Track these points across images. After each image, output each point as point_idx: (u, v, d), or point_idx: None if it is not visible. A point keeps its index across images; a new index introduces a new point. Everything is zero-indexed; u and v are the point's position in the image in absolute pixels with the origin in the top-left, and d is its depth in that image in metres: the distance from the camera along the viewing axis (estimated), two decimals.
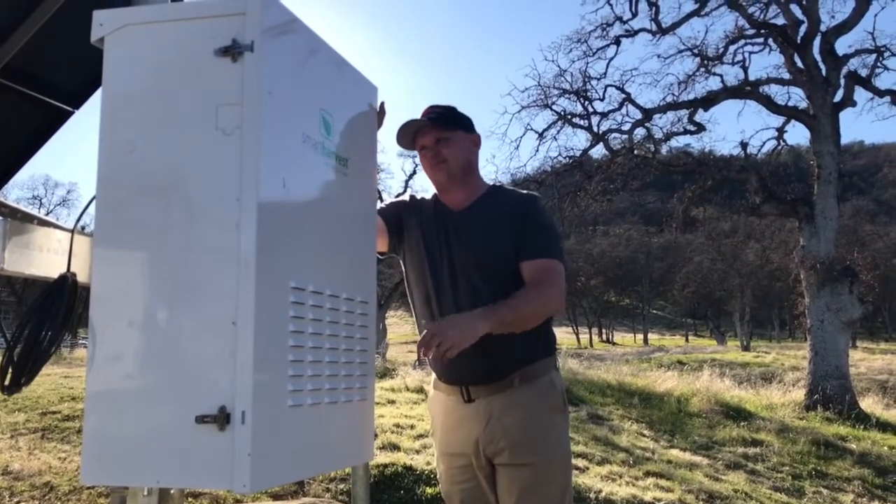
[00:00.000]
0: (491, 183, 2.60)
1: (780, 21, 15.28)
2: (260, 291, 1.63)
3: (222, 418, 1.59)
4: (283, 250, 1.75)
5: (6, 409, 8.19)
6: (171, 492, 1.92)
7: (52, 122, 3.23)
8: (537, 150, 18.71)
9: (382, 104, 2.34)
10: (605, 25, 16.96)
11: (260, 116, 1.68)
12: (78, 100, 3.19)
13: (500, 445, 2.30)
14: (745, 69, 16.21)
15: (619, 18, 16.90)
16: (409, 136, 2.46)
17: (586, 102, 17.16)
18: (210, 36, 1.73)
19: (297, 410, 1.78)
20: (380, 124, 2.35)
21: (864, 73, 15.14)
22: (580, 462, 6.62)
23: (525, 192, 2.53)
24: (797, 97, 15.72)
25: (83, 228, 2.07)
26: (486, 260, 2.37)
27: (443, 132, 2.44)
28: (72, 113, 3.23)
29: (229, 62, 1.71)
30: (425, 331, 2.12)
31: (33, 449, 6.32)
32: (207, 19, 1.75)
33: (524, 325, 2.25)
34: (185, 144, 1.73)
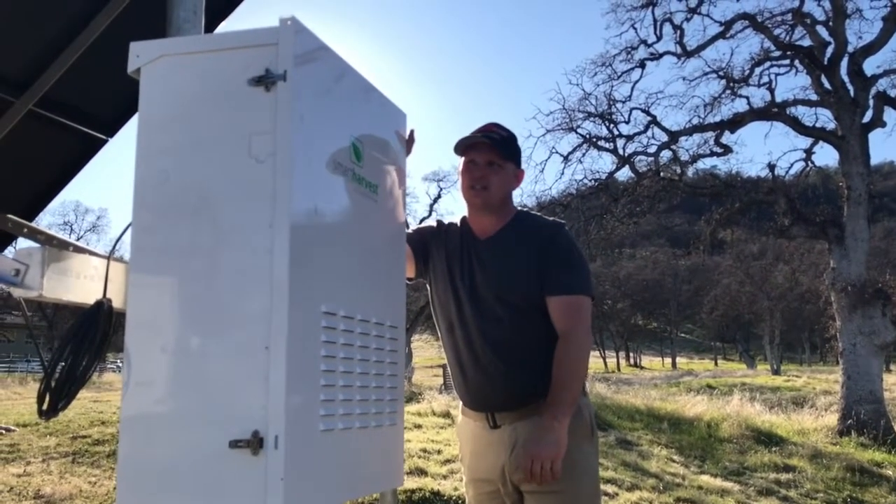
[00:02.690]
0: (517, 207, 2.60)
1: (807, 42, 15.21)
2: (292, 316, 1.65)
3: (255, 443, 1.60)
4: (314, 275, 1.77)
5: (38, 434, 8.28)
6: None
7: (87, 150, 3.30)
8: (562, 174, 18.61)
9: (412, 132, 2.36)
10: (629, 49, 16.96)
11: (292, 144, 1.71)
12: (112, 128, 3.26)
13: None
14: (771, 91, 16.10)
15: (644, 42, 16.92)
16: (463, 144, 2.44)
17: (611, 125, 17.14)
18: (243, 66, 1.76)
19: (329, 435, 1.79)
20: (409, 151, 2.36)
21: (893, 93, 14.96)
22: (609, 488, 6.54)
23: (551, 219, 2.51)
24: (825, 118, 15.60)
25: (116, 255, 2.10)
26: (507, 290, 2.36)
27: (498, 158, 2.41)
28: (105, 141, 3.29)
29: (262, 91, 1.74)
30: (524, 461, 2.16)
31: (64, 473, 6.38)
32: (241, 50, 1.79)
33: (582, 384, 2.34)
34: (218, 172, 1.76)
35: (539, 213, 2.59)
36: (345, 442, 1.87)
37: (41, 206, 3.32)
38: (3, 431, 8.63)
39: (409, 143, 2.36)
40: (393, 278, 2.23)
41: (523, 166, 2.56)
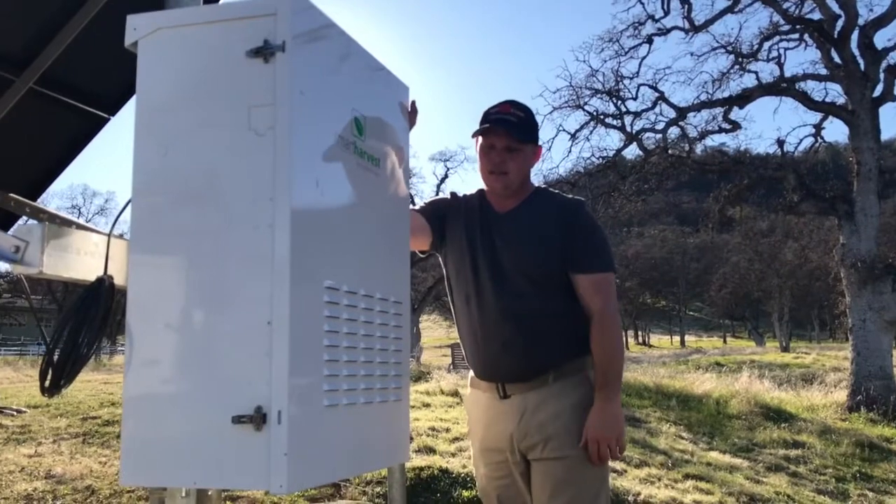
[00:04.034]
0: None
1: (816, 16, 15.02)
2: (294, 291, 1.63)
3: (259, 418, 1.59)
4: (316, 250, 1.75)
5: (49, 415, 8.33)
6: (209, 493, 1.93)
7: (89, 129, 3.27)
8: (570, 152, 18.36)
9: (414, 103, 2.33)
10: (636, 24, 16.82)
11: (292, 117, 1.68)
12: (113, 107, 3.23)
13: (533, 440, 2.31)
14: (780, 65, 15.96)
15: (651, 17, 16.75)
16: (481, 130, 2.41)
17: (619, 102, 17.03)
18: (242, 37, 1.73)
19: (333, 410, 1.78)
20: (412, 124, 2.34)
21: None
22: (618, 465, 6.54)
23: (570, 196, 2.53)
24: (835, 93, 15.46)
25: (121, 236, 2.08)
26: (531, 264, 2.37)
27: (516, 143, 2.40)
28: (107, 120, 3.27)
29: (261, 63, 1.71)
30: (590, 447, 2.26)
31: (75, 453, 6.42)
32: (239, 21, 1.76)
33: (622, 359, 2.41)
34: (218, 146, 1.74)
35: (557, 191, 2.58)
36: (349, 417, 1.85)
37: (45, 185, 3.30)
38: (15, 413, 8.68)
39: (412, 115, 2.34)
40: (396, 253, 2.21)
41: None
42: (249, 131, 1.70)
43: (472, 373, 2.53)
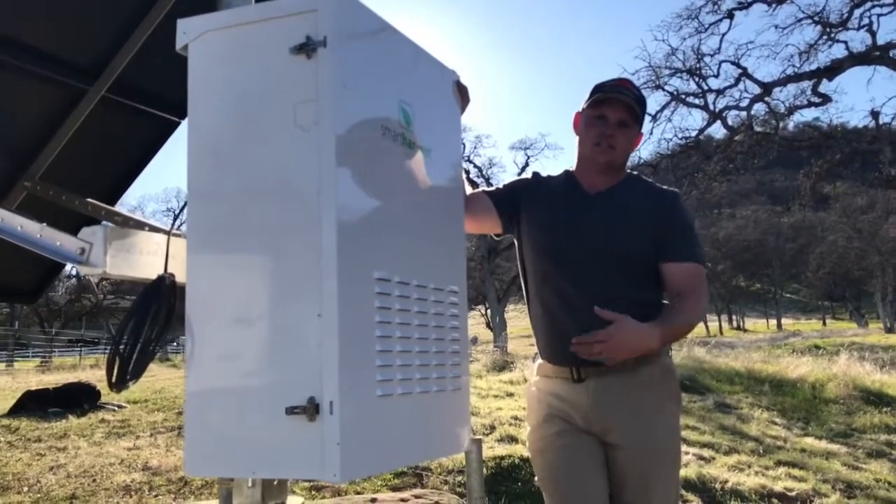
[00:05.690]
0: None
1: None
2: (342, 283, 1.65)
3: (311, 409, 1.62)
4: (365, 242, 1.76)
5: (146, 409, 8.71)
6: (274, 483, 1.98)
7: (161, 133, 3.37)
8: (651, 133, 17.92)
9: (465, 88, 2.30)
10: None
11: (335, 111, 1.70)
12: (182, 110, 3.31)
13: (608, 424, 2.23)
14: (872, 33, 15.22)
15: None
16: (599, 99, 2.33)
17: (700, 80, 16.59)
18: (285, 35, 1.76)
19: (387, 400, 1.79)
20: (463, 109, 2.32)
21: None
22: (706, 452, 6.39)
23: (666, 187, 2.45)
24: None
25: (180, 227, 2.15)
26: (623, 248, 2.28)
27: (630, 119, 2.33)
28: (178, 124, 3.36)
29: (304, 59, 1.74)
30: (604, 336, 2.07)
31: (170, 446, 6.69)
32: (282, 19, 1.79)
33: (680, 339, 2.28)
34: (266, 144, 1.77)
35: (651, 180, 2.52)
36: (404, 407, 1.86)
37: (121, 190, 3.42)
38: (116, 408, 9.10)
39: (463, 98, 2.31)
40: (451, 243, 2.21)
41: None
42: (295, 127, 1.73)
43: (538, 361, 2.44)
